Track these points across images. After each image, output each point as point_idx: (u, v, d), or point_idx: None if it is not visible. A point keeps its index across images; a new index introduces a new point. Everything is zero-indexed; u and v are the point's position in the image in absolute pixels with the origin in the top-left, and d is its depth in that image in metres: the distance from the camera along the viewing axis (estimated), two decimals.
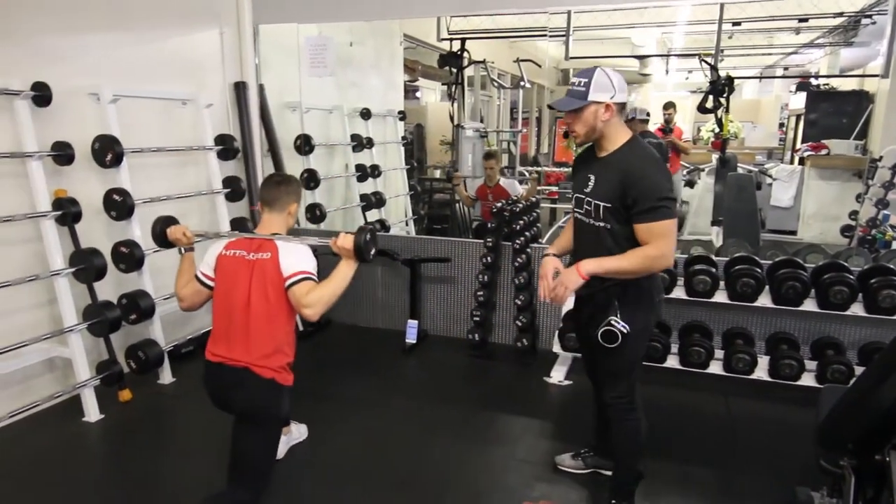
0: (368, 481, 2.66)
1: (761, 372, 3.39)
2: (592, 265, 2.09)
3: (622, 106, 2.14)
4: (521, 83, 8.29)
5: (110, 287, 3.42)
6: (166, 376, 3.63)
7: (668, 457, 2.82)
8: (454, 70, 6.68)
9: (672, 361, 3.53)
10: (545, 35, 6.80)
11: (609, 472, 2.58)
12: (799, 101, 7.99)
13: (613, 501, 2.41)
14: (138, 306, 3.37)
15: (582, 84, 2.07)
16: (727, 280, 3.43)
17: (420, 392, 3.59)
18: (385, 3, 4.24)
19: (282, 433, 2.80)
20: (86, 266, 3.16)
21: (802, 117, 7.64)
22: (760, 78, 10.65)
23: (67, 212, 3.12)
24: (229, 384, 2.21)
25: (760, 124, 10.14)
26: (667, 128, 6.30)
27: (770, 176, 7.04)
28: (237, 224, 4.12)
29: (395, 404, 3.40)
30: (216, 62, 4.29)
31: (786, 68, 9.34)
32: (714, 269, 3.45)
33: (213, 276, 2.28)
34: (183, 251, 2.43)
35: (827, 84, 7.88)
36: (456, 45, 6.59)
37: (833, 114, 7.21)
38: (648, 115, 5.13)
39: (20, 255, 3.09)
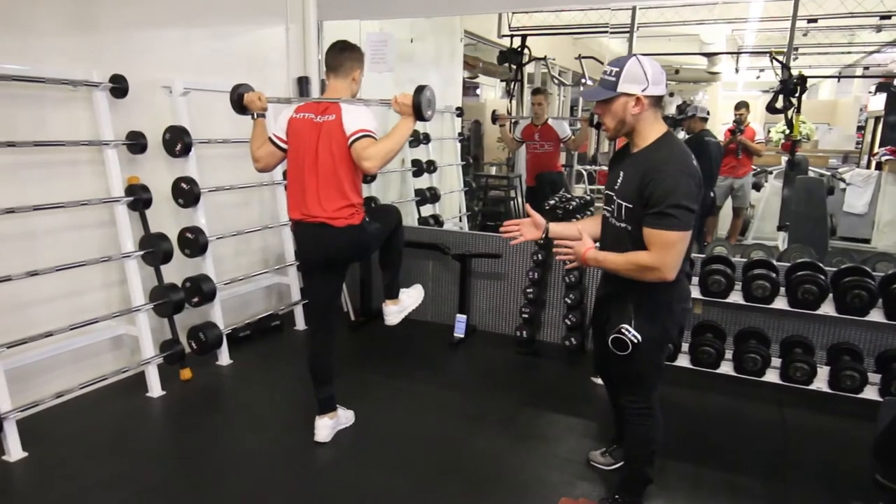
0: (412, 468, 2.71)
1: (820, 383, 3.26)
2: (593, 254, 2.09)
3: (657, 99, 1.99)
4: (582, 80, 8.20)
5: (175, 270, 3.59)
6: (224, 358, 3.78)
7: (716, 465, 2.77)
8: (514, 67, 6.68)
9: (726, 367, 3.44)
10: (607, 31, 6.73)
11: None
12: (879, 102, 7.61)
13: (617, 497, 2.39)
14: (201, 290, 3.53)
15: (613, 74, 1.95)
16: (788, 286, 3.32)
17: (466, 386, 3.62)
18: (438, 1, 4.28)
19: (323, 417, 2.91)
20: (154, 250, 3.33)
21: (882, 119, 7.26)
22: (839, 77, 10.16)
23: (139, 198, 3.28)
24: (315, 238, 2.54)
25: (837, 126, 9.68)
26: (738, 128, 6.11)
27: (843, 180, 6.73)
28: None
29: (440, 396, 3.44)
30: (281, 57, 4.44)
31: (866, 68, 8.88)
32: (774, 275, 3.34)
33: (286, 138, 2.47)
34: (255, 116, 2.70)
35: None
36: (516, 42, 6.59)
37: None
38: (708, 113, 5.01)
39: (94, 238, 3.26)
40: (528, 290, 4.05)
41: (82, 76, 3.07)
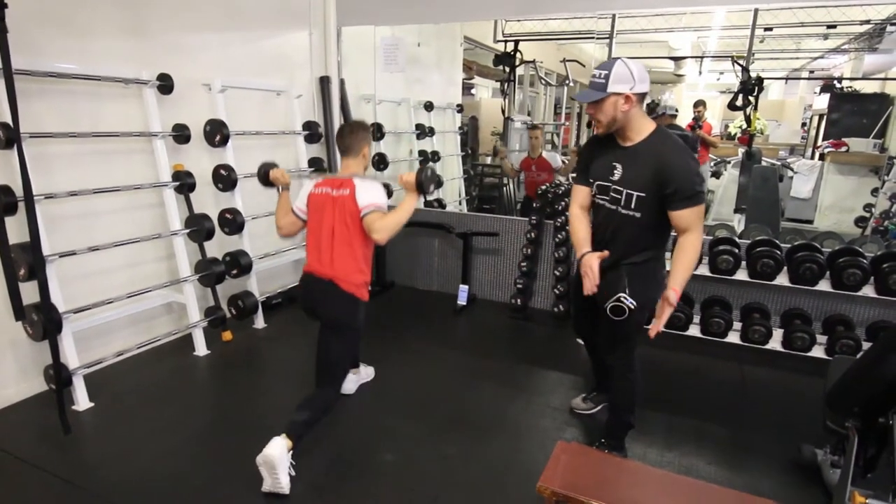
0: (425, 416, 2.73)
1: (775, 343, 3.29)
2: (674, 297, 1.96)
3: (642, 96, 1.96)
4: (566, 81, 8.10)
5: (216, 246, 3.56)
6: (260, 322, 3.78)
7: (685, 414, 2.79)
8: (507, 68, 6.59)
9: (694, 331, 3.45)
10: (592, 38, 6.63)
11: None
12: (822, 101, 7.57)
13: (604, 440, 2.40)
14: (239, 263, 3.51)
15: (602, 76, 1.92)
16: (748, 260, 3.32)
17: (469, 346, 3.63)
18: (452, 7, 4.17)
19: (355, 371, 2.91)
20: (198, 228, 3.30)
21: (825, 117, 7.23)
22: (787, 79, 10.07)
23: (184, 183, 3.24)
24: (317, 291, 2.38)
25: (784, 122, 9.64)
26: (696, 124, 6.06)
27: (791, 169, 6.71)
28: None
29: (447, 355, 3.45)
30: (305, 59, 4.35)
31: (811, 71, 8.81)
32: (737, 250, 3.35)
33: (306, 210, 2.41)
34: (280, 190, 2.60)
35: (850, 87, 7.41)
36: (510, 47, 6.50)
37: (854, 114, 6.81)
38: (676, 111, 4.95)
39: (146, 218, 3.24)
40: (522, 264, 4.04)
41: (134, 75, 3.00)
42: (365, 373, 3.04)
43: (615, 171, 2.03)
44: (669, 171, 1.90)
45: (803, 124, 9.43)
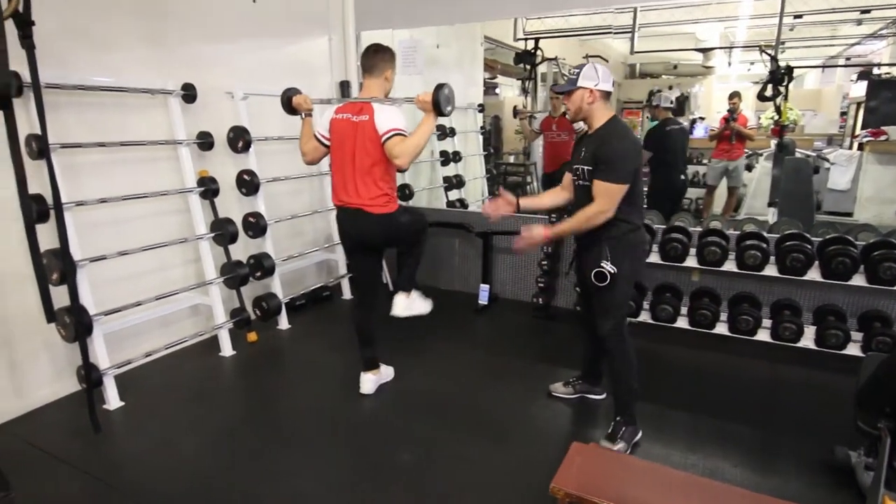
0: (443, 416, 2.71)
1: (807, 341, 3.16)
2: (550, 231, 2.33)
3: (607, 94, 2.27)
4: None
5: (241, 249, 3.63)
6: (284, 323, 3.82)
7: (711, 414, 2.70)
8: (528, 66, 6.54)
9: (721, 329, 3.35)
10: (610, 32, 6.53)
11: (593, 397, 2.84)
12: (860, 89, 7.24)
13: (619, 418, 2.46)
14: (262, 266, 3.57)
15: (574, 73, 2.27)
16: (778, 255, 3.20)
17: (489, 346, 3.60)
18: (467, 7, 4.16)
19: (367, 373, 2.92)
20: (222, 232, 3.36)
21: (863, 105, 6.92)
22: (823, 67, 9.68)
23: (209, 188, 3.31)
24: (350, 221, 2.52)
25: (821, 112, 9.26)
26: (731, 116, 5.88)
27: (828, 160, 6.44)
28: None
29: (467, 355, 3.43)
30: (325, 64, 4.40)
31: (848, 59, 8.44)
32: (765, 245, 3.23)
33: (328, 135, 2.46)
34: (304, 116, 2.70)
35: (888, 73, 7.08)
36: (531, 45, 6.44)
37: (893, 101, 6.50)
38: (672, 103, 4.85)
39: (173, 223, 3.31)
40: (543, 262, 3.99)
41: (159, 85, 3.09)
42: (385, 373, 3.04)
43: (581, 154, 2.34)
44: (602, 148, 2.22)
45: (842, 113, 9.04)
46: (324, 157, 2.68)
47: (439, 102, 2.30)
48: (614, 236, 2.29)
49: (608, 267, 2.26)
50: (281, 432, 2.59)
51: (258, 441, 2.51)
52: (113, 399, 2.78)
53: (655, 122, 4.98)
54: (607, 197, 2.20)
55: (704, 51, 8.20)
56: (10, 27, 1.94)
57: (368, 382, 2.91)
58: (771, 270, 3.21)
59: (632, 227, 2.31)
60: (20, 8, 1.91)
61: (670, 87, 10.35)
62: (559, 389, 2.88)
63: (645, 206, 4.81)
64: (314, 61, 4.31)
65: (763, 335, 3.24)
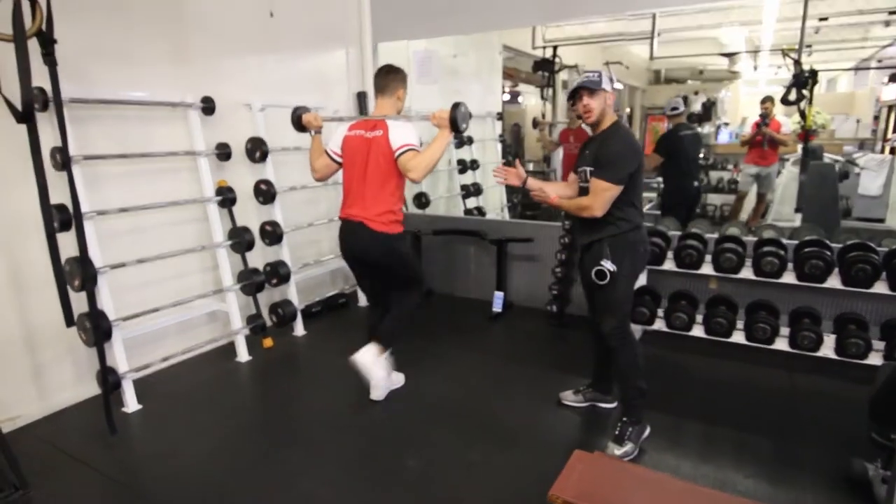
0: (453, 424, 2.71)
1: (827, 350, 3.05)
2: (557, 200, 2.41)
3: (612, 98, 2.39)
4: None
5: (259, 257, 3.72)
6: (299, 329, 3.88)
7: (725, 424, 2.64)
8: (546, 74, 6.54)
9: (738, 337, 3.26)
10: (629, 38, 6.49)
11: (604, 405, 2.82)
12: (891, 92, 7.02)
13: (625, 419, 2.46)
14: (278, 273, 3.64)
15: (596, 76, 2.32)
16: (796, 262, 3.12)
17: (502, 353, 3.58)
18: (481, 17, 4.20)
19: (386, 365, 2.90)
20: (239, 240, 3.45)
21: (894, 109, 6.70)
22: (856, 70, 9.41)
23: (226, 197, 3.40)
24: (351, 235, 2.52)
25: (854, 116, 8.99)
26: (763, 122, 5.76)
27: (857, 165, 6.24)
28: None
29: (479, 362, 3.42)
30: (342, 75, 4.49)
31: (879, 60, 8.19)
32: (783, 252, 3.15)
33: (341, 152, 2.50)
34: (313, 133, 2.73)
35: None
36: (549, 53, 6.44)
37: None
38: (674, 108, 4.79)
39: (192, 231, 3.41)
40: (557, 270, 3.96)
41: (179, 99, 3.19)
42: (396, 379, 3.06)
43: (585, 155, 2.42)
44: (602, 149, 2.30)
45: (875, 117, 8.76)
46: (334, 174, 2.70)
47: (456, 120, 2.33)
48: (614, 235, 2.34)
49: (608, 265, 2.30)
50: (293, 436, 2.63)
51: (270, 445, 2.55)
52: (131, 402, 2.86)
53: (669, 129, 4.92)
54: (598, 194, 2.28)
55: (728, 55, 8.07)
56: (33, 45, 2.05)
57: (378, 389, 2.88)
58: (789, 278, 3.13)
59: (632, 226, 2.36)
60: (43, 27, 2.01)
61: (696, 93, 10.19)
62: (569, 398, 2.86)
63: (659, 212, 4.79)
64: (331, 73, 4.40)
65: (781, 344, 3.15)
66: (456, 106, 2.35)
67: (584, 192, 2.40)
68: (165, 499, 2.20)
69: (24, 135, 2.14)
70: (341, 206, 2.62)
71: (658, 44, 7.37)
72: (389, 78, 2.57)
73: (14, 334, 2.66)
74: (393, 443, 2.57)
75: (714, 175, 6.79)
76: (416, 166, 2.33)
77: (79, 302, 2.60)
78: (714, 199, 6.46)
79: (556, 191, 2.59)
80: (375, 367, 2.61)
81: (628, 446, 2.39)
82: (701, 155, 4.82)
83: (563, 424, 2.71)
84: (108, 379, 2.59)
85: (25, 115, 1.96)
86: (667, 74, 11.33)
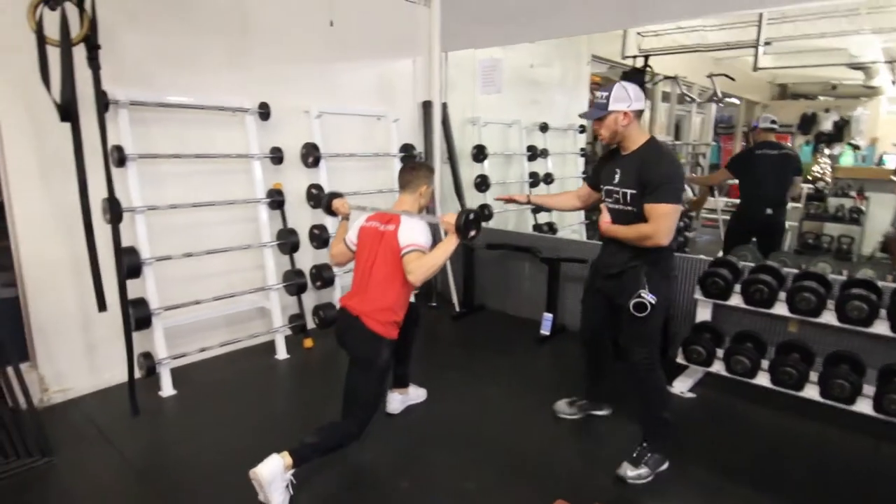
0: (460, 448, 2.57)
1: None
2: (612, 228, 2.29)
3: (639, 112, 2.23)
4: (715, 97, 7.33)
5: (309, 259, 3.82)
6: None
7: (780, 493, 2.27)
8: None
9: (811, 391, 2.79)
10: (731, 48, 5.94)
11: (600, 413, 2.84)
12: None
13: (645, 444, 2.38)
14: (322, 276, 3.71)
15: (603, 98, 2.20)
16: (891, 309, 2.60)
17: (540, 379, 3.36)
18: (553, 23, 3.97)
19: (395, 391, 2.87)
20: (285, 241, 3.57)
21: None
22: None
23: (274, 199, 3.52)
24: (344, 327, 2.42)
25: None
26: None
27: None
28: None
29: (510, 386, 3.24)
30: (407, 85, 4.51)
31: None
32: (875, 297, 2.65)
33: (356, 241, 2.48)
34: (342, 219, 2.71)
35: None
36: (653, 63, 6.06)
37: None
38: (773, 122, 4.16)
39: (243, 230, 3.54)
40: None
41: (237, 104, 3.37)
42: (415, 394, 2.98)
43: (616, 176, 2.29)
44: (647, 170, 2.16)
45: None
46: (349, 262, 2.62)
47: (461, 228, 2.24)
48: (653, 261, 2.23)
49: (648, 297, 2.18)
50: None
51: (287, 438, 2.51)
52: (167, 387, 3.04)
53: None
54: (665, 218, 2.13)
55: (857, 67, 7.10)
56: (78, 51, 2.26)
57: (395, 402, 2.87)
58: (882, 327, 2.62)
59: (664, 255, 2.25)
60: (89, 33, 2.21)
61: (827, 110, 9.12)
62: (564, 410, 2.85)
63: (722, 239, 4.30)
64: (396, 82, 4.44)
65: (863, 405, 2.63)
66: (463, 213, 2.26)
67: (619, 214, 2.29)
68: (169, 483, 2.31)
69: (85, 132, 2.35)
70: (346, 295, 2.50)
71: (773, 54, 6.69)
72: (414, 174, 2.51)
73: (73, 312, 2.94)
74: (390, 460, 2.49)
75: (833, 202, 5.97)
76: (417, 269, 2.23)
77: (130, 289, 2.80)
78: (831, 230, 5.66)
79: (557, 202, 2.78)
80: (274, 485, 2.05)
81: (643, 469, 2.31)
82: (797, 178, 4.21)
83: (581, 466, 2.47)
84: (134, 363, 2.77)
85: (67, 114, 2.15)
86: (793, 89, 10.25)
